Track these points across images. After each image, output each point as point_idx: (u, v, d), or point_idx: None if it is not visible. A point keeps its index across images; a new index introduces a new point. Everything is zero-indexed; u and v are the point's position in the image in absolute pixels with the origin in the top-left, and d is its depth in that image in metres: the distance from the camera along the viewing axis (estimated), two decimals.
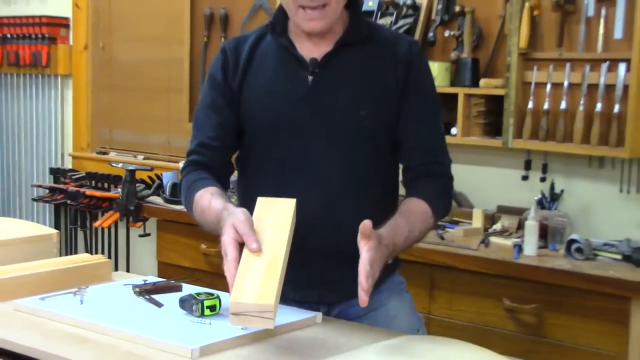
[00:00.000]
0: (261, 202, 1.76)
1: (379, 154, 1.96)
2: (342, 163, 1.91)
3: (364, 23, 2.00)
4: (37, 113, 5.08)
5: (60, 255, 2.39)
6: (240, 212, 1.69)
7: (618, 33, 2.88)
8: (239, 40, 2.03)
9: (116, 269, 4.24)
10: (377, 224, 1.93)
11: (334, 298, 1.97)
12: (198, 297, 1.79)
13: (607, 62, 2.91)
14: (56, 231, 2.46)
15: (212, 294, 1.82)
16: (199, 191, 1.91)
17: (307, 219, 1.85)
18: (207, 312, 1.78)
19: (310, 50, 1.93)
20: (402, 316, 2.01)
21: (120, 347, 1.66)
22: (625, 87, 2.85)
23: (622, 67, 2.85)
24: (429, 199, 1.91)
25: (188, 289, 1.98)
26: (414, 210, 1.89)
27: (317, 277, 1.94)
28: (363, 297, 1.57)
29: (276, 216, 1.73)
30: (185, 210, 2.07)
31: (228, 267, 1.62)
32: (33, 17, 4.93)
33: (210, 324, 1.74)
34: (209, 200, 1.86)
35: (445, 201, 2.00)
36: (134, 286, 1.98)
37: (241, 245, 1.64)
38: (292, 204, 1.75)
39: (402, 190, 2.02)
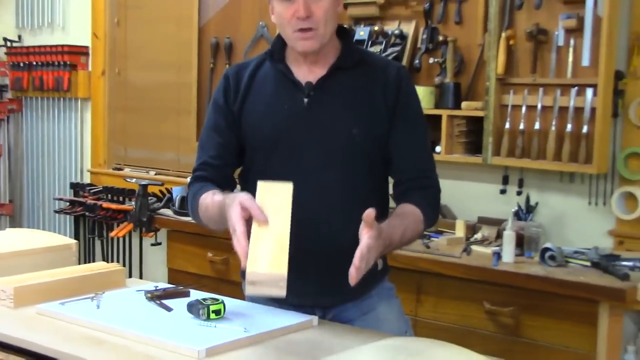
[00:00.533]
0: (261, 185, 1.76)
1: (371, 169, 1.96)
2: (336, 178, 1.91)
3: (355, 50, 2.01)
4: (59, 133, 5.09)
5: (79, 263, 2.40)
6: (243, 193, 1.72)
7: (585, 61, 2.89)
8: (240, 67, 2.04)
9: (130, 276, 4.23)
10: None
11: (329, 302, 1.97)
12: (204, 302, 1.79)
13: (576, 87, 2.92)
14: (75, 241, 2.46)
15: (217, 299, 1.82)
16: (203, 195, 1.92)
17: (305, 230, 1.85)
18: (212, 315, 1.77)
19: (306, 75, 1.94)
20: (391, 319, 2.00)
21: (134, 348, 1.66)
22: (593, 110, 2.86)
23: (589, 91, 2.87)
24: (421, 206, 1.91)
25: (195, 294, 1.98)
26: (408, 214, 1.89)
27: (313, 283, 1.94)
28: (352, 274, 1.60)
29: (277, 197, 1.73)
30: (193, 221, 2.08)
31: (238, 240, 1.64)
32: (56, 46, 4.94)
33: (215, 326, 1.74)
34: (212, 197, 1.88)
35: (434, 211, 1.99)
36: (146, 292, 1.98)
37: (248, 222, 1.66)
38: (290, 187, 1.75)
39: (391, 204, 2.03)
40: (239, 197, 1.70)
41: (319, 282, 1.94)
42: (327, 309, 1.98)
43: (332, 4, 1.87)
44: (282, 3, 1.86)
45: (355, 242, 1.79)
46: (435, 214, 2.00)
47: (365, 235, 1.64)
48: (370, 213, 1.63)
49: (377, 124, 1.93)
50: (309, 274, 1.91)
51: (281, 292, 1.59)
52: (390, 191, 2.04)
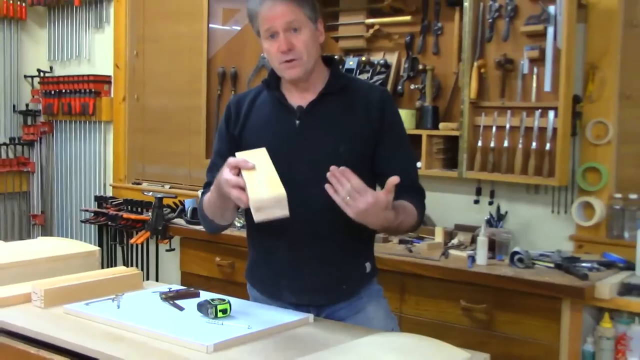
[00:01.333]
0: (239, 154, 1.76)
1: None
2: (324, 192, 1.89)
3: (341, 76, 2.00)
4: (84, 152, 5.07)
5: (102, 267, 2.38)
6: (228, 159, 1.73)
7: (547, 87, 2.88)
8: (241, 96, 2.06)
9: (147, 278, 4.21)
10: (358, 240, 1.93)
11: (323, 301, 1.96)
12: (212, 302, 1.78)
13: (540, 110, 2.91)
14: (98, 248, 2.45)
15: (224, 300, 1.80)
16: (204, 198, 1.94)
17: (301, 237, 1.85)
18: (220, 314, 1.76)
19: (298, 100, 1.94)
20: (379, 318, 1.98)
21: (150, 344, 1.65)
22: (554, 130, 2.85)
23: (551, 113, 2.86)
24: (414, 204, 1.89)
25: (205, 295, 1.96)
26: (407, 207, 1.86)
27: (308, 285, 1.92)
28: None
29: (255, 154, 1.75)
30: (203, 229, 2.06)
31: (234, 184, 1.65)
32: (83, 76, 4.93)
33: (222, 324, 1.73)
34: (210, 190, 1.88)
35: (422, 213, 1.97)
36: (161, 293, 1.97)
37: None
38: (264, 149, 1.77)
39: None
40: (225, 163, 1.72)
41: (313, 284, 1.92)
42: (321, 307, 1.96)
43: (311, 36, 1.88)
44: (268, 40, 1.88)
45: (342, 249, 1.79)
46: (422, 216, 1.97)
47: (384, 193, 1.67)
48: (393, 180, 1.66)
49: (362, 142, 1.92)
50: (304, 277, 1.91)
51: (284, 211, 1.59)
52: None
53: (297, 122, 1.92)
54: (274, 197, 1.59)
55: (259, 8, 1.87)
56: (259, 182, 1.64)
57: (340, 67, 3.35)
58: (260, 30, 1.90)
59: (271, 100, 1.97)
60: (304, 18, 1.87)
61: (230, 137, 2.00)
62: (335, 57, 3.19)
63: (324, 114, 1.92)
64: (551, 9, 2.83)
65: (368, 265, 1.99)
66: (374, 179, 1.97)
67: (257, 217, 1.60)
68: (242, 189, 1.65)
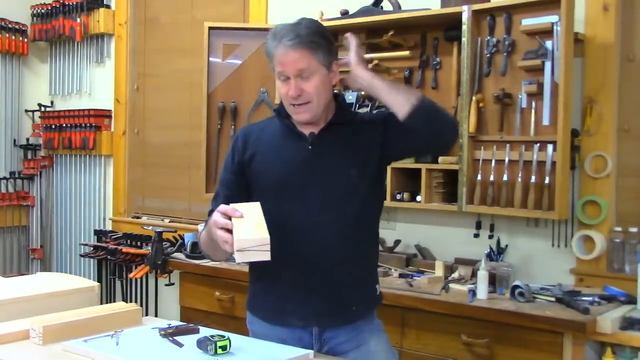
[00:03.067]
0: (232, 205, 1.79)
1: (364, 206, 1.98)
2: (335, 213, 1.94)
3: (347, 110, 2.09)
4: (84, 186, 5.08)
5: (102, 302, 2.38)
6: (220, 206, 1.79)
7: (546, 120, 2.90)
8: (250, 126, 2.14)
9: (147, 313, 4.20)
10: (367, 265, 1.95)
11: (331, 324, 1.96)
12: (212, 339, 1.77)
13: (538, 144, 2.92)
14: (97, 284, 2.45)
15: (223, 336, 1.80)
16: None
17: (310, 260, 1.87)
18: (219, 351, 1.75)
19: (308, 129, 1.99)
20: (381, 351, 1.99)
21: None
22: (553, 163, 2.86)
23: (550, 147, 2.87)
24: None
25: (204, 331, 1.96)
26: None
27: (317, 308, 1.94)
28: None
29: (248, 207, 1.80)
30: (202, 264, 2.10)
31: (221, 225, 1.71)
32: (83, 110, 4.97)
33: None
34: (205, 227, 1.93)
35: (436, 109, 1.92)
36: (160, 329, 1.96)
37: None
38: (257, 204, 1.82)
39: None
40: (217, 208, 1.78)
41: (322, 308, 1.93)
42: (323, 331, 1.96)
43: (322, 81, 1.92)
44: (280, 81, 1.94)
45: (352, 273, 1.82)
46: (434, 110, 1.91)
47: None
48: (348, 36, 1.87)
49: (371, 164, 1.97)
50: (312, 301, 1.92)
51: (265, 256, 1.62)
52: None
53: (309, 147, 1.96)
54: (257, 240, 1.62)
55: (274, 50, 1.92)
56: (245, 226, 1.69)
57: None
58: (274, 69, 1.95)
59: (282, 128, 2.02)
60: (317, 65, 1.90)
61: (236, 168, 2.04)
62: (336, 91, 3.23)
63: (334, 140, 1.97)
64: (548, 44, 2.86)
65: (377, 287, 2.04)
66: (381, 199, 2.05)
67: (239, 258, 1.63)
68: (229, 231, 1.69)
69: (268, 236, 1.62)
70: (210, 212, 2.03)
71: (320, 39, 1.91)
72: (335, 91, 2.04)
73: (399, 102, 1.88)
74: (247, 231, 1.66)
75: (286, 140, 1.99)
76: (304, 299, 1.91)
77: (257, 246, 1.62)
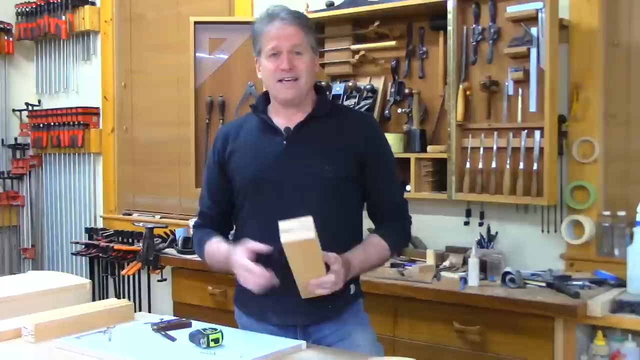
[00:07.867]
0: (281, 224, 1.72)
1: (343, 202, 1.97)
2: (311, 209, 1.89)
3: (327, 102, 2.07)
4: (74, 184, 5.06)
5: (94, 299, 2.37)
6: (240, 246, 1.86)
7: (532, 107, 2.91)
8: (228, 125, 2.14)
9: (140, 309, 4.19)
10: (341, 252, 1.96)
11: (308, 321, 1.97)
12: (204, 332, 1.77)
13: (526, 130, 2.93)
14: (89, 281, 2.44)
15: (215, 329, 1.80)
16: (207, 242, 2.02)
17: (285, 260, 1.85)
18: (212, 344, 1.75)
19: (285, 123, 1.98)
20: (365, 345, 1.99)
21: None
22: (541, 150, 2.87)
23: (537, 133, 2.88)
24: (387, 235, 1.99)
25: (196, 325, 1.96)
26: (374, 243, 1.97)
27: (294, 305, 1.92)
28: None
29: (299, 222, 1.73)
30: (194, 259, 2.10)
31: (255, 273, 1.81)
32: (71, 108, 4.94)
33: (214, 354, 1.72)
34: (217, 246, 1.98)
35: (404, 238, 2.10)
36: (152, 324, 1.96)
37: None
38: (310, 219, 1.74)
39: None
40: (239, 247, 1.87)
41: (297, 305, 1.90)
42: (307, 327, 1.97)
43: (311, 62, 1.96)
44: (269, 59, 1.93)
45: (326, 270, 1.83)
46: (405, 241, 2.14)
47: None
48: (331, 257, 1.78)
49: (346, 164, 1.95)
50: (288, 298, 1.89)
51: (310, 233, 1.64)
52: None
53: (284, 142, 1.95)
54: (301, 221, 1.66)
55: (266, 27, 1.93)
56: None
57: (328, 93, 3.38)
58: (262, 49, 1.95)
59: (258, 124, 2.01)
60: (308, 45, 1.95)
61: (217, 168, 2.05)
62: (323, 83, 3.23)
63: (311, 136, 1.96)
64: (533, 30, 2.87)
65: (352, 287, 2.01)
66: (361, 200, 2.03)
67: (283, 238, 1.66)
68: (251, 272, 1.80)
69: (311, 218, 1.66)
70: (200, 214, 2.11)
71: (311, 24, 1.99)
72: (322, 83, 2.05)
73: (381, 264, 2.08)
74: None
75: (262, 135, 1.99)
76: (281, 296, 1.90)
77: (301, 225, 1.65)
